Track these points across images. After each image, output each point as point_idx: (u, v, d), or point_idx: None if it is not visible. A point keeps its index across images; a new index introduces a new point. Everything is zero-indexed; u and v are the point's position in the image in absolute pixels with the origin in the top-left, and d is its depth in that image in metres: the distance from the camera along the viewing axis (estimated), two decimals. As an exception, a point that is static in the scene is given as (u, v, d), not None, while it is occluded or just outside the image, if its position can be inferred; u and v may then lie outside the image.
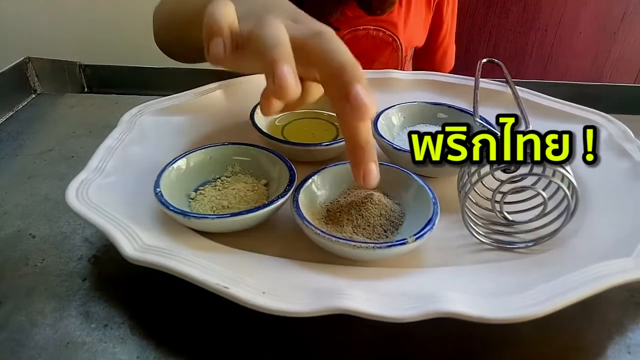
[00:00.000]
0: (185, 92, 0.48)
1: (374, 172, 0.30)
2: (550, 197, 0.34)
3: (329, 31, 0.30)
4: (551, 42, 1.71)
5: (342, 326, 0.30)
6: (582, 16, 1.63)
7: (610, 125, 0.42)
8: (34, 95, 0.59)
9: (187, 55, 0.60)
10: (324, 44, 0.29)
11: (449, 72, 0.92)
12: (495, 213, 0.35)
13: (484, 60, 0.51)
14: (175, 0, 0.55)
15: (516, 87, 0.48)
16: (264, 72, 0.28)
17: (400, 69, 0.78)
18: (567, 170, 0.32)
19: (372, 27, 0.73)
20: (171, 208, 0.33)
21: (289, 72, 0.27)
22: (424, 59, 0.87)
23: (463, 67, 1.64)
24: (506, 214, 0.35)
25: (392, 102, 0.47)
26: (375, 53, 0.75)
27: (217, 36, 0.29)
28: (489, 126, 0.41)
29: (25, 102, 0.57)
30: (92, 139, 0.50)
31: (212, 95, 0.48)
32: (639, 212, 0.34)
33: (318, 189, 0.37)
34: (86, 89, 0.65)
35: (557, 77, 1.71)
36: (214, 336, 0.30)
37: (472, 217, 0.34)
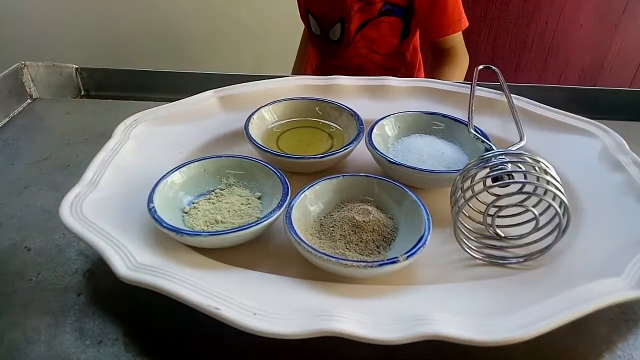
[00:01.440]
0: (180, 100, 0.48)
1: None
2: (542, 213, 0.35)
3: None
4: (552, 35, 1.70)
5: (335, 344, 0.30)
6: (583, 8, 1.61)
7: (605, 136, 0.42)
8: (29, 101, 0.59)
9: None
10: None
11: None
12: (487, 230, 0.35)
13: (481, 67, 0.51)
14: None
15: (512, 95, 0.48)
16: None
17: (349, 15, 0.82)
18: (558, 189, 0.32)
19: None
20: (164, 225, 0.33)
21: None
22: (425, 19, 0.86)
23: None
24: (498, 231, 0.35)
25: (388, 110, 0.47)
26: None
27: None
28: (483, 138, 0.41)
29: (21, 108, 0.57)
30: (88, 147, 0.50)
31: (207, 103, 0.48)
32: (630, 229, 0.34)
33: (311, 203, 0.37)
34: (82, 92, 0.65)
35: (558, 69, 1.70)
36: (209, 352, 0.31)
37: (464, 231, 0.35)
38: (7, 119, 0.55)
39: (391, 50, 0.90)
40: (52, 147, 0.50)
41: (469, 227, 0.36)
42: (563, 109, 0.48)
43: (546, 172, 0.33)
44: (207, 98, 0.49)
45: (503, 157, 0.34)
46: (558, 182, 0.33)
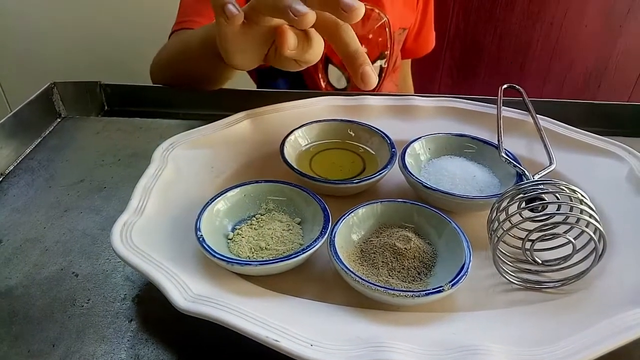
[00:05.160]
0: (213, 123, 0.49)
1: (369, 73, 0.37)
2: (576, 237, 0.36)
3: None
4: (557, 36, 1.71)
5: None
6: (588, 9, 1.62)
7: (631, 158, 0.43)
8: (59, 120, 0.60)
9: (197, 82, 0.62)
10: None
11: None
12: (524, 255, 0.36)
13: (505, 86, 0.52)
14: (178, 42, 0.62)
15: (537, 115, 0.49)
16: (280, 17, 0.36)
17: (390, 48, 0.79)
18: (593, 217, 0.33)
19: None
20: (214, 254, 0.34)
21: (299, 4, 0.34)
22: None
23: (469, 62, 1.62)
24: (536, 258, 0.36)
25: (414, 130, 0.49)
26: (365, 29, 0.76)
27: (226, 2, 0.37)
28: (514, 162, 0.42)
29: (52, 127, 0.58)
30: (121, 168, 0.51)
31: (240, 125, 0.49)
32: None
33: (352, 230, 0.38)
34: (107, 108, 0.66)
35: (562, 71, 1.71)
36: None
37: (501, 257, 0.36)
38: (39, 139, 0.56)
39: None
40: (86, 169, 0.51)
41: (504, 251, 0.37)
42: (581, 125, 0.49)
43: (582, 202, 0.34)
44: (239, 120, 0.50)
45: (541, 186, 0.35)
46: (593, 210, 0.34)
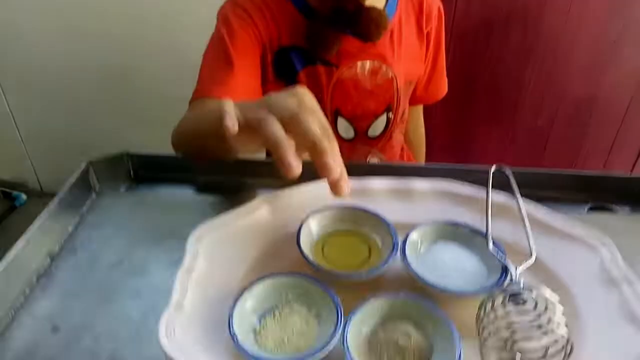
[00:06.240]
0: (234, 211, 0.55)
1: (342, 186, 0.44)
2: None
3: (301, 111, 0.44)
4: (549, 70, 1.76)
5: None
6: (581, 36, 1.66)
7: (603, 249, 0.50)
8: (94, 197, 0.66)
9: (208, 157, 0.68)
10: (300, 126, 0.43)
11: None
12: (506, 348, 0.43)
13: (493, 169, 0.59)
14: (193, 119, 0.69)
15: (521, 197, 0.56)
16: (275, 158, 0.43)
17: (397, 101, 0.85)
18: (560, 324, 0.40)
19: (368, 61, 0.80)
20: (251, 354, 0.41)
21: (293, 159, 0.42)
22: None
23: (464, 96, 1.67)
24: (517, 353, 0.42)
25: (411, 212, 0.57)
26: (372, 84, 0.82)
27: (228, 114, 0.45)
28: (498, 257, 0.49)
29: (89, 204, 0.64)
30: (158, 248, 0.57)
31: (259, 212, 0.56)
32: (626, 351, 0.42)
33: (360, 326, 0.44)
34: (132, 175, 0.72)
35: (554, 105, 1.77)
36: None
37: (487, 352, 0.42)
38: (78, 218, 0.62)
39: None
40: (123, 250, 0.57)
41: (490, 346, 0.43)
42: (568, 193, 0.56)
43: (554, 308, 0.41)
44: (258, 206, 0.56)
45: (526, 292, 0.42)
46: (563, 314, 0.41)
